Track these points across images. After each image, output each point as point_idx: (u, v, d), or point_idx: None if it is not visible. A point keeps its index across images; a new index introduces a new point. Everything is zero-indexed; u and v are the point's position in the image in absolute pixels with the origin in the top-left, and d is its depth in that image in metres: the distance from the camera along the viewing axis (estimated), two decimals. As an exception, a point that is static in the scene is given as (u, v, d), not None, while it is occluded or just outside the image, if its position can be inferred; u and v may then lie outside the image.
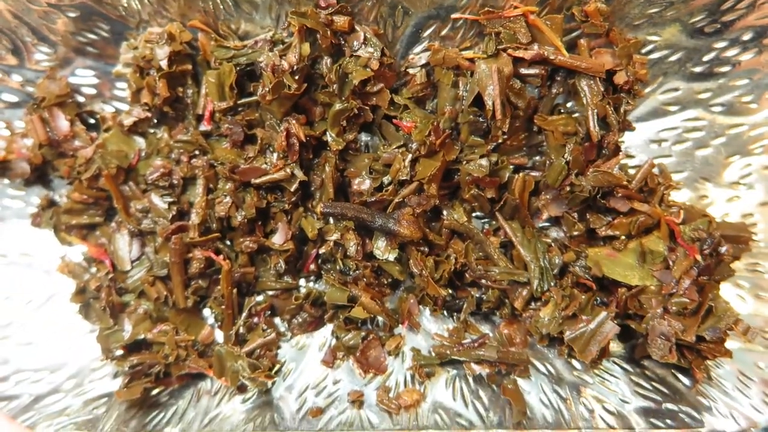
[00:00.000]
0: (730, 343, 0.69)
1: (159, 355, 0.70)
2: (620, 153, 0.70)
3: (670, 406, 0.69)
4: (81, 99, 0.73)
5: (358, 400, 0.70)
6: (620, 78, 0.68)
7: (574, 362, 0.73)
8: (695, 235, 0.68)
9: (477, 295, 0.73)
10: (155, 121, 0.72)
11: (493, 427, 0.67)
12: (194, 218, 0.70)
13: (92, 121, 0.74)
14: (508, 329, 0.73)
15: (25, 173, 0.71)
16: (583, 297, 0.69)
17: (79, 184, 0.71)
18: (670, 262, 0.68)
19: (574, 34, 0.70)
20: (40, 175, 0.74)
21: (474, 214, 0.74)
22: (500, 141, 0.71)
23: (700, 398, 0.69)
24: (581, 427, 0.67)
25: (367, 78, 0.68)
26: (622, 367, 0.72)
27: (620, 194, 0.69)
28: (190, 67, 0.70)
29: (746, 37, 0.69)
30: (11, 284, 0.74)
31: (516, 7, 0.67)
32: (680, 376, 0.71)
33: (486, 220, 0.74)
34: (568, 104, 0.72)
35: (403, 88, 0.72)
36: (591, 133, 0.69)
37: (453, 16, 0.69)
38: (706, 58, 0.70)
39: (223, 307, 0.71)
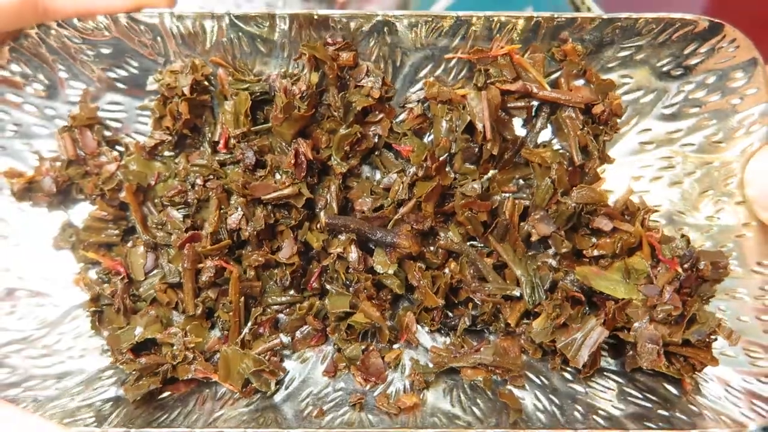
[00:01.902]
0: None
1: (167, 355, 0.73)
2: (601, 180, 0.76)
3: (662, 412, 0.71)
4: (107, 132, 0.79)
5: (358, 403, 0.72)
6: (598, 109, 0.76)
7: (567, 375, 0.75)
8: (675, 252, 0.73)
9: (472, 313, 0.77)
10: (174, 150, 0.79)
11: (491, 427, 0.69)
12: (207, 228, 0.74)
13: (116, 152, 0.80)
14: (503, 344, 0.76)
15: (51, 191, 0.76)
16: (573, 309, 0.73)
17: (101, 200, 0.77)
18: (654, 278, 0.73)
19: (554, 75, 0.78)
20: (62, 200, 0.79)
21: (469, 243, 0.79)
22: (491, 174, 0.78)
23: (691, 406, 0.71)
24: (577, 428, 0.69)
25: (369, 106, 0.75)
26: (614, 380, 0.75)
27: (603, 212, 0.74)
28: (208, 98, 0.78)
29: (710, 80, 0.77)
30: (28, 303, 0.77)
31: (502, 47, 0.76)
32: (670, 387, 0.74)
33: (479, 246, 0.79)
34: (553, 141, 0.79)
35: (402, 123, 0.79)
36: (573, 159, 0.75)
37: (446, 56, 0.77)
38: (675, 100, 0.78)
39: (231, 314, 0.74)
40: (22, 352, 0.75)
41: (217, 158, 0.78)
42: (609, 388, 0.74)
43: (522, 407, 0.72)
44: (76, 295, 0.78)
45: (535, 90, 0.76)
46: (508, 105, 0.76)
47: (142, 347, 0.75)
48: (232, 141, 0.76)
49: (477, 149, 0.76)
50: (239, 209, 0.74)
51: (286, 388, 0.75)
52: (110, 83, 0.78)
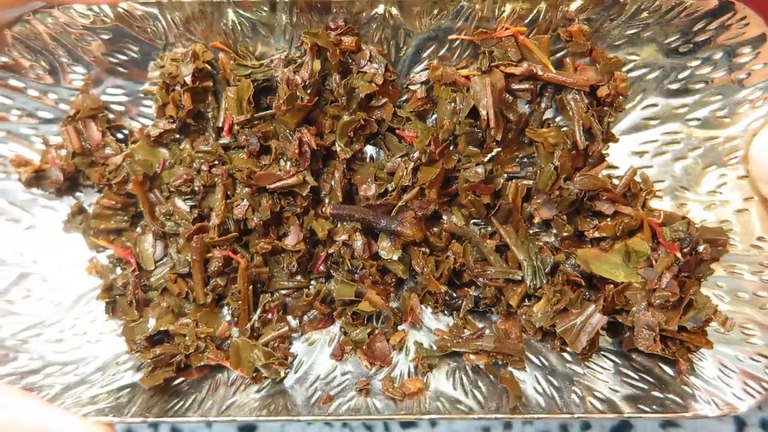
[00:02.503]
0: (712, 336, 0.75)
1: (180, 345, 0.75)
2: (605, 162, 0.77)
3: (656, 394, 0.74)
4: (111, 116, 0.79)
5: (365, 388, 0.76)
6: (603, 91, 0.75)
7: (566, 356, 0.78)
8: (675, 235, 0.74)
9: (475, 294, 0.79)
10: (178, 135, 0.79)
11: (491, 412, 0.72)
12: (214, 219, 0.76)
13: (120, 135, 0.80)
14: (504, 325, 0.78)
15: (59, 181, 0.77)
16: (573, 294, 0.75)
17: (109, 190, 0.78)
18: (653, 261, 0.74)
19: (560, 54, 0.77)
20: (70, 186, 0.80)
21: (472, 221, 0.80)
22: (495, 152, 0.78)
23: (685, 387, 0.74)
24: (573, 412, 0.72)
25: (372, 92, 0.75)
26: (611, 360, 0.77)
27: (605, 197, 0.75)
28: (211, 84, 0.77)
29: (717, 56, 0.75)
30: (42, 287, 0.79)
31: (507, 29, 0.74)
32: (666, 367, 0.76)
33: (482, 226, 0.80)
34: (557, 119, 0.79)
35: (405, 104, 0.79)
36: (577, 142, 0.75)
37: (450, 37, 0.76)
38: (681, 76, 0.77)
39: (240, 302, 0.77)
40: (40, 337, 0.77)
41: (221, 143, 0.78)
42: (606, 369, 0.77)
43: (522, 392, 0.75)
44: (88, 279, 0.81)
45: (540, 72, 0.75)
46: (513, 87, 0.76)
47: (155, 339, 0.78)
48: (236, 127, 0.76)
49: (480, 134, 0.76)
50: (245, 200, 0.75)
51: (296, 372, 0.78)
52: (111, 68, 0.78)
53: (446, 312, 0.81)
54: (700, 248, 0.74)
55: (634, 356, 0.78)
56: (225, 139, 0.78)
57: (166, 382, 0.76)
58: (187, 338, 0.76)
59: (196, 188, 0.77)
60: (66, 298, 0.80)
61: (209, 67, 0.77)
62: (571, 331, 0.74)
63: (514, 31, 0.74)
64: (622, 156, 0.80)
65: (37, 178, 0.78)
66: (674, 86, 0.78)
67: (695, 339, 0.73)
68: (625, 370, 0.76)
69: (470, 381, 0.77)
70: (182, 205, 0.77)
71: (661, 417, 0.72)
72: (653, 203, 0.79)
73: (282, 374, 0.77)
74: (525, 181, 0.78)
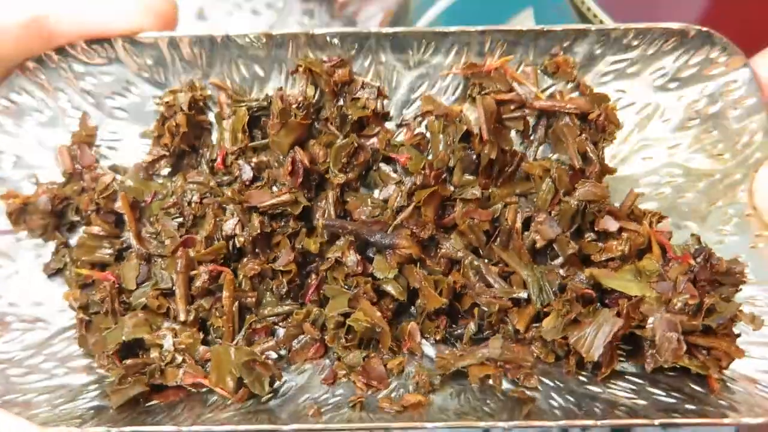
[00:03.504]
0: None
1: (156, 357, 0.69)
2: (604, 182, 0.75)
3: (689, 406, 0.65)
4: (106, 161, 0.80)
5: (358, 402, 0.67)
6: (593, 115, 0.75)
7: (583, 378, 0.70)
8: (686, 249, 0.71)
9: (479, 322, 0.73)
10: (172, 170, 0.79)
11: (503, 420, 0.63)
12: (202, 234, 0.73)
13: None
14: (512, 346, 0.71)
15: (46, 209, 0.75)
16: (584, 309, 0.69)
17: (96, 215, 0.76)
18: (666, 276, 0.69)
19: (549, 90, 0.79)
20: (58, 225, 0.78)
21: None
22: (492, 189, 0.77)
23: (720, 401, 0.66)
24: (597, 418, 0.63)
25: (365, 117, 0.76)
26: (634, 383, 0.69)
27: (607, 209, 0.72)
28: (206, 118, 0.79)
29: (706, 91, 0.77)
30: (17, 329, 0.74)
31: (495, 61, 0.77)
32: (697, 387, 0.68)
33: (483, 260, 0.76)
34: (553, 157, 0.78)
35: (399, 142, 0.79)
36: (574, 164, 0.74)
37: (441, 73, 0.79)
38: (672, 113, 0.78)
39: (224, 318, 0.71)
40: (5, 371, 0.71)
41: (214, 179, 0.77)
42: (629, 390, 0.69)
43: (535, 399, 0.66)
44: (66, 318, 0.76)
45: (529, 99, 0.76)
46: (504, 116, 0.76)
47: (129, 353, 0.72)
48: (230, 158, 0.76)
49: (475, 156, 0.75)
50: (235, 215, 0.73)
51: (282, 396, 0.70)
52: (110, 111, 0.79)
53: (449, 341, 0.74)
54: (714, 259, 0.70)
55: (659, 378, 0.70)
56: (219, 175, 0.77)
57: (136, 402, 0.68)
58: (164, 349, 0.69)
59: (186, 214, 0.75)
60: (40, 337, 0.74)
61: (204, 105, 0.79)
62: (585, 339, 0.67)
63: (501, 62, 0.77)
64: (621, 191, 0.78)
65: (24, 212, 0.76)
66: (667, 124, 0.78)
67: (724, 344, 0.66)
68: (651, 389, 0.68)
69: (478, 399, 0.68)
70: (170, 223, 0.74)
71: (698, 423, 0.62)
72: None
73: (266, 386, 0.69)
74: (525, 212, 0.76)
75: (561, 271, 0.74)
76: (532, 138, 0.78)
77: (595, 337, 0.67)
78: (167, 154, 0.77)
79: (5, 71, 0.76)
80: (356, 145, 0.75)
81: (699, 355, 0.67)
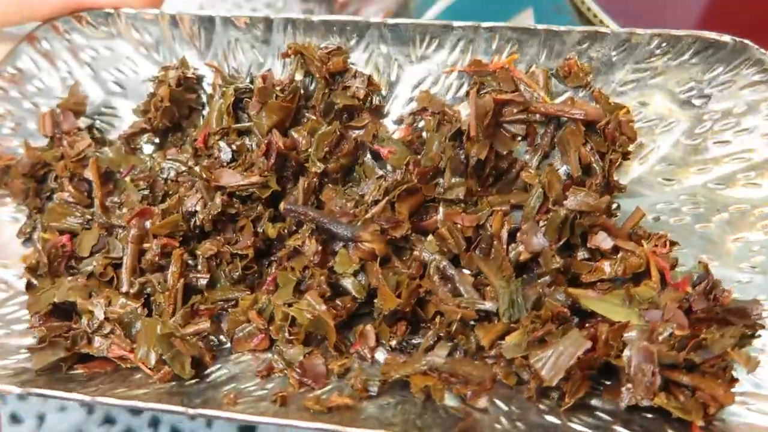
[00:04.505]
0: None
1: (84, 323, 0.65)
2: (607, 197, 0.66)
3: None
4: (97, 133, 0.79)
5: (280, 397, 0.60)
6: (602, 123, 0.68)
7: (544, 407, 0.60)
8: (688, 277, 0.61)
9: (439, 333, 0.66)
10: (155, 146, 0.77)
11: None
12: (161, 206, 0.70)
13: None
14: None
15: (25, 168, 0.74)
16: (557, 328, 0.60)
17: (69, 182, 0.74)
18: (659, 304, 0.60)
19: (561, 98, 0.72)
20: (37, 191, 0.77)
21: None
22: (486, 200, 0.70)
23: None
24: None
25: (352, 106, 0.72)
26: (601, 419, 0.59)
27: (601, 223, 0.64)
28: (195, 97, 0.77)
29: (737, 110, 0.68)
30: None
31: (501, 61, 0.71)
32: None
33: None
34: (560, 169, 0.71)
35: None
36: (572, 173, 0.67)
37: (443, 70, 0.73)
38: (698, 131, 0.69)
39: (167, 293, 0.67)
40: None
41: (196, 161, 0.74)
42: (596, 425, 0.59)
43: (476, 421, 0.58)
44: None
45: (534, 103, 0.69)
46: (505, 119, 0.70)
47: (67, 319, 0.69)
48: (213, 139, 0.73)
49: (464, 156, 0.69)
50: (198, 192, 0.69)
51: (210, 383, 0.65)
52: (108, 87, 0.79)
53: (405, 350, 0.67)
54: (720, 292, 0.60)
55: (634, 417, 0.59)
56: (201, 158, 0.74)
57: (58, 369, 0.64)
58: (94, 316, 0.66)
59: (157, 190, 0.72)
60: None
61: (195, 81, 0.77)
62: (546, 360, 0.58)
63: (508, 61, 0.71)
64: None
65: (5, 173, 0.75)
66: (691, 143, 0.69)
67: (713, 386, 0.56)
68: (619, 428, 0.58)
69: (414, 413, 0.60)
70: (134, 195, 0.72)
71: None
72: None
73: (188, 370, 0.63)
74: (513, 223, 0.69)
75: (546, 290, 0.65)
76: (537, 146, 0.71)
77: (558, 359, 0.58)
78: (148, 127, 0.75)
79: None
80: (339, 133, 0.71)
81: (680, 395, 0.57)
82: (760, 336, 0.60)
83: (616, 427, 0.58)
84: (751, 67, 0.66)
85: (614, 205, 0.69)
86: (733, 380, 0.58)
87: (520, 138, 0.71)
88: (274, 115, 0.71)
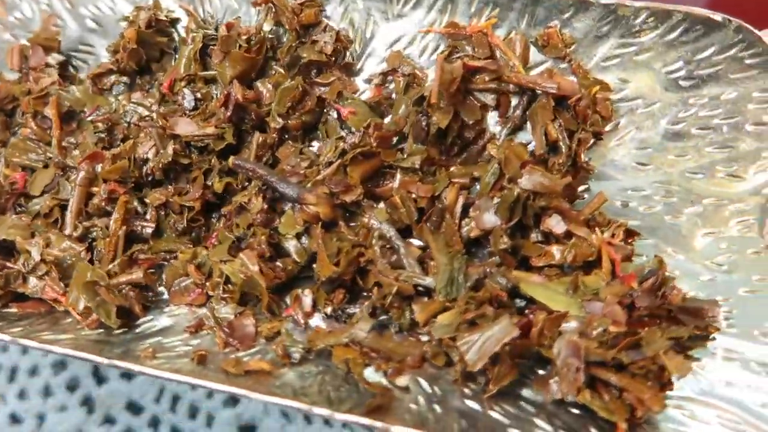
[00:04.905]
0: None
1: (21, 263, 0.66)
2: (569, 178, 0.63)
3: None
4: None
5: (199, 356, 0.60)
6: (573, 99, 0.64)
7: (468, 391, 0.58)
8: (639, 270, 0.58)
9: (375, 304, 0.63)
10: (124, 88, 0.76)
11: (341, 411, 0.54)
12: (113, 150, 0.69)
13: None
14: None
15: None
16: (492, 311, 0.58)
17: (32, 118, 0.73)
18: (604, 296, 0.57)
19: (539, 68, 0.68)
20: (6, 125, 0.76)
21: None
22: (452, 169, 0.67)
23: None
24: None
25: (323, 65, 0.69)
26: (525, 410, 0.57)
27: (554, 205, 0.60)
28: (165, 40, 0.75)
29: (726, 96, 0.63)
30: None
31: (480, 25, 0.67)
32: None
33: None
34: (530, 145, 0.67)
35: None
36: (536, 147, 0.63)
37: (419, 30, 0.70)
38: (682, 116, 0.65)
39: (107, 239, 0.66)
40: None
41: (163, 106, 0.73)
42: (513, 417, 0.56)
43: (392, 399, 0.56)
44: None
45: (507, 72, 0.66)
46: (476, 86, 0.66)
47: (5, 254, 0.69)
48: (179, 84, 0.72)
49: (425, 123, 0.66)
50: (152, 140, 0.68)
51: (138, 334, 0.64)
52: (85, 23, 0.78)
53: (341, 319, 0.65)
54: (669, 290, 0.56)
55: (559, 412, 0.57)
56: (167, 104, 0.72)
57: None
58: (31, 256, 0.66)
59: (116, 133, 0.71)
60: None
61: (169, 23, 0.75)
62: (472, 344, 0.56)
63: (486, 25, 0.67)
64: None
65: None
66: (673, 128, 0.65)
67: (642, 389, 0.53)
68: (538, 421, 0.55)
69: (332, 384, 0.59)
70: (91, 137, 0.71)
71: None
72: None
73: (114, 319, 0.63)
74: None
75: (492, 270, 0.62)
76: (508, 118, 0.68)
77: (483, 344, 0.55)
78: (115, 69, 0.74)
79: None
80: (302, 89, 0.69)
81: (606, 394, 0.54)
82: (714, 339, 0.57)
83: (537, 420, 0.55)
84: (744, 51, 0.61)
85: (583, 187, 0.66)
86: (668, 384, 0.54)
87: (491, 108, 0.68)
88: (237, 66, 0.69)
